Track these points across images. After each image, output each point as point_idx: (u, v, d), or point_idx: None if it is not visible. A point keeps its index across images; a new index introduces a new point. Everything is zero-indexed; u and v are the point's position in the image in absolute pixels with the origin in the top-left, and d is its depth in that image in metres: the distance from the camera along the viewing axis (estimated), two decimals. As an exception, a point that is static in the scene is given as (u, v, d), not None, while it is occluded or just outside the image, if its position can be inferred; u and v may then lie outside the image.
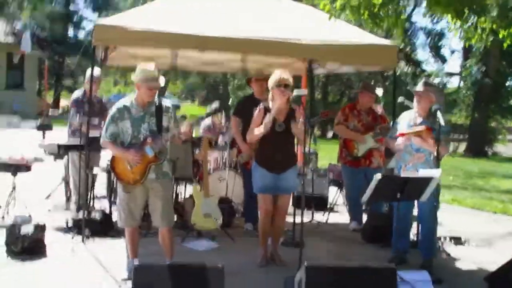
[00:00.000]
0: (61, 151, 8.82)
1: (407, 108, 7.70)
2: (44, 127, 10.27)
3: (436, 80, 35.04)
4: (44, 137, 10.01)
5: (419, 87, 7.06)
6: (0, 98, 32.81)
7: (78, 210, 8.53)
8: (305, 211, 9.65)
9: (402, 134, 7.00)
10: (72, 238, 7.66)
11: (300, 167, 7.48)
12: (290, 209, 8.00)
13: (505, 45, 6.94)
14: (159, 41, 7.68)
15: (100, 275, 6.21)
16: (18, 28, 38.82)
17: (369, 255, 7.49)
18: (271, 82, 6.76)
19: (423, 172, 6.59)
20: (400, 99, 8.52)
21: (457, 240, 8.52)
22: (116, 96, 59.28)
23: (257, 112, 6.85)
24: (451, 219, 10.26)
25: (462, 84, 31.91)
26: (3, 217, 8.25)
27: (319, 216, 9.73)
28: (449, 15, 6.80)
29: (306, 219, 9.44)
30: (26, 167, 8.57)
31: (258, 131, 6.72)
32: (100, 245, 7.44)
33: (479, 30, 6.82)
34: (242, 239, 8.01)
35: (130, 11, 9.04)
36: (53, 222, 8.40)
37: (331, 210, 10.17)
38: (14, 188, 8.48)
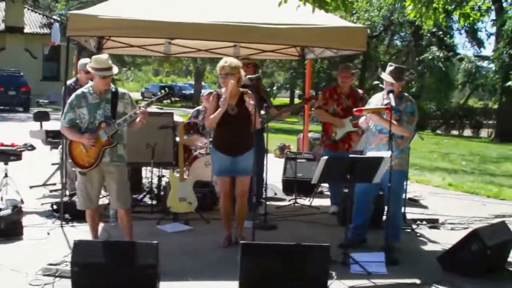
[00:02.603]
0: (49, 138, 9.15)
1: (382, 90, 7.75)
2: (40, 118, 10.58)
3: (469, 65, 34.69)
4: (41, 127, 10.30)
5: (388, 76, 7.04)
6: (36, 90, 33.52)
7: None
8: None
9: (360, 111, 7.07)
10: (53, 222, 7.98)
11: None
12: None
13: (459, 24, 7.01)
14: (130, 29, 7.87)
15: (64, 256, 6.46)
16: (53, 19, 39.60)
17: (338, 237, 7.58)
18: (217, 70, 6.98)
19: (372, 154, 6.69)
20: (376, 82, 8.58)
21: (433, 223, 8.57)
22: (153, 85, 60.15)
23: (210, 99, 7.07)
24: (439, 203, 10.35)
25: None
26: (-5, 202, 8.61)
27: (307, 200, 9.87)
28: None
29: (289, 202, 9.70)
30: (16, 155, 8.89)
31: (214, 115, 6.91)
32: (76, 228, 7.70)
33: (431, 11, 6.86)
34: (218, 222, 8.17)
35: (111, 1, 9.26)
36: (43, 207, 8.78)
37: (320, 194, 10.33)
38: (6, 174, 8.83)
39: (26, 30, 40.39)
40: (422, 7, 6.88)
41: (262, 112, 8.24)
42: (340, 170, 6.35)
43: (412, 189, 11.34)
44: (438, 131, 38.86)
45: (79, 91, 6.47)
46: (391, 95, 6.71)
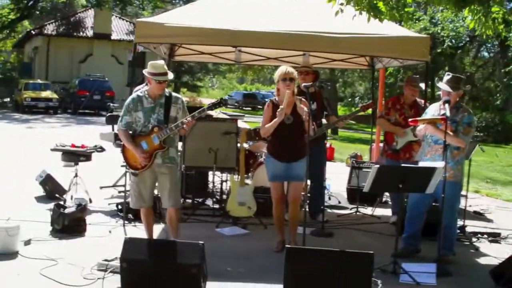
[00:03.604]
0: (117, 140, 9.45)
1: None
2: (112, 121, 10.89)
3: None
4: (113, 130, 10.63)
5: (445, 85, 6.98)
6: (122, 94, 34.48)
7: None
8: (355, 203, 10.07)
9: (415, 121, 7.05)
10: (116, 221, 8.29)
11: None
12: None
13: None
14: (196, 36, 8.13)
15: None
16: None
17: (393, 247, 7.49)
18: (276, 76, 7.08)
19: (425, 163, 6.64)
20: (438, 93, 8.50)
21: (494, 237, 8.40)
22: (237, 93, 60.78)
23: (266, 107, 7.20)
24: (506, 217, 10.17)
25: None
26: (65, 201, 8.98)
27: (370, 209, 9.86)
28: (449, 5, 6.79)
29: (351, 210, 9.71)
30: (86, 156, 9.30)
31: (271, 125, 7.03)
32: (138, 228, 7.92)
33: (490, 21, 6.76)
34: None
35: (177, 9, 9.54)
36: (109, 206, 9.11)
37: (384, 203, 10.27)
38: (76, 174, 9.23)
39: (113, 36, 41.69)
40: (481, 16, 6.78)
41: (324, 120, 8.32)
42: (392, 179, 6.34)
43: (480, 202, 11.15)
44: (525, 145, 37.72)
45: (134, 95, 6.74)
46: (447, 105, 6.64)
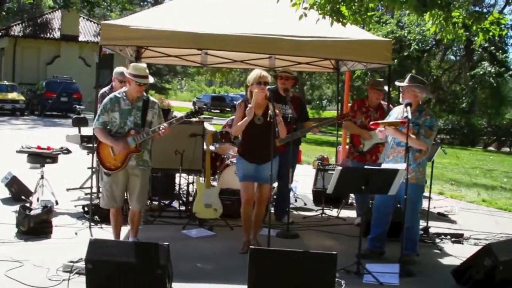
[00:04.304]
0: (83, 142, 9.46)
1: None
2: (79, 123, 10.87)
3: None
4: (79, 132, 10.60)
5: (404, 82, 7.16)
6: (90, 97, 34.23)
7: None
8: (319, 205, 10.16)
9: (377, 124, 7.16)
10: (83, 223, 8.27)
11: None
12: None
13: (478, 40, 7.02)
14: (162, 39, 8.16)
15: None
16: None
17: (355, 248, 7.57)
18: (251, 79, 7.16)
19: (387, 165, 6.76)
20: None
21: (457, 238, 8.55)
22: (205, 95, 60.70)
23: (238, 107, 7.32)
24: (469, 218, 10.32)
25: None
26: (31, 203, 8.92)
27: (335, 211, 9.94)
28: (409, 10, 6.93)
29: (316, 212, 9.80)
30: (52, 158, 9.26)
31: (241, 123, 7.13)
32: (104, 230, 7.93)
33: (450, 25, 6.90)
34: (242, 229, 8.28)
35: (144, 11, 9.55)
36: (75, 208, 9.08)
37: (349, 205, 10.37)
38: (42, 176, 9.18)
39: (81, 38, 41.43)
40: (441, 21, 6.93)
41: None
42: (355, 181, 6.44)
43: (444, 204, 11.33)
44: (491, 148, 38.34)
45: (112, 95, 6.80)
46: (408, 108, 6.77)
